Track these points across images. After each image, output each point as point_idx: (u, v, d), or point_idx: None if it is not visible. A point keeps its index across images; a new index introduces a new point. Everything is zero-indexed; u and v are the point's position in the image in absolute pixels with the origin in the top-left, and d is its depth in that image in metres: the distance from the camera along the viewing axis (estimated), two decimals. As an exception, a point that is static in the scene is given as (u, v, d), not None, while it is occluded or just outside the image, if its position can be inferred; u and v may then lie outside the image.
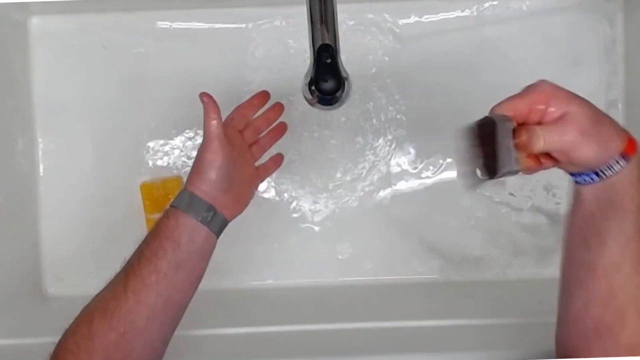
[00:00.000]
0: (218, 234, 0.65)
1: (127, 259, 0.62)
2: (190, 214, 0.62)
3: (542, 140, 0.51)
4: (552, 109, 0.52)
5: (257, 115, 0.75)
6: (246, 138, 0.73)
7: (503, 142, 0.51)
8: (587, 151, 0.51)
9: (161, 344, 0.62)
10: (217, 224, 0.64)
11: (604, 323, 0.52)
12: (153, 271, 0.59)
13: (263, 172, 0.75)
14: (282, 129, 0.78)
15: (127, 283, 0.59)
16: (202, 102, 0.64)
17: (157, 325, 0.60)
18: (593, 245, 0.53)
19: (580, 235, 0.55)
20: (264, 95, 0.75)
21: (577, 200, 0.55)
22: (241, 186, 0.68)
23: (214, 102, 0.64)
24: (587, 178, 0.53)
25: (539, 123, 0.52)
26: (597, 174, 0.52)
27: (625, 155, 0.52)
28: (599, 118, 0.52)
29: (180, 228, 0.61)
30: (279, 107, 0.77)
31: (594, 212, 0.53)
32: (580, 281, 0.54)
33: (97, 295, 0.61)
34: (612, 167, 0.52)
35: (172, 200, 0.64)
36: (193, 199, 0.63)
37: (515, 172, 0.52)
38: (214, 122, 0.64)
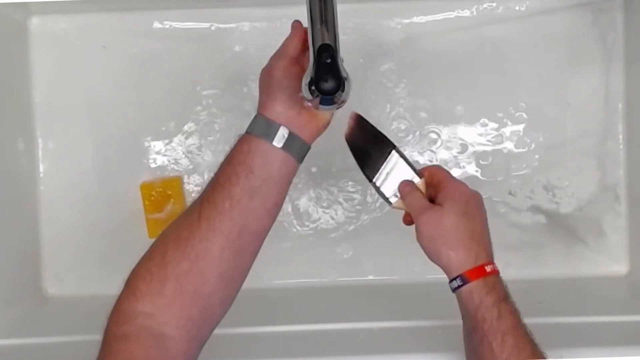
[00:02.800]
0: (299, 158, 0.60)
1: (203, 188, 0.58)
2: (263, 138, 0.58)
3: (408, 198, 0.63)
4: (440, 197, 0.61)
5: None
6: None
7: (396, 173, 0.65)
8: (424, 244, 0.60)
9: (239, 275, 0.58)
10: (296, 147, 0.59)
11: None
12: (227, 198, 0.56)
13: None
14: None
15: (200, 210, 0.56)
16: (292, 27, 0.61)
17: (233, 254, 0.56)
18: None
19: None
20: None
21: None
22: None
23: (303, 29, 0.61)
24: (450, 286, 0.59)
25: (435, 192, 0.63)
26: (450, 285, 0.58)
27: (463, 277, 0.58)
28: (459, 237, 0.59)
29: (253, 153, 0.57)
30: None
31: (467, 334, 0.58)
32: None
33: (172, 223, 0.57)
34: (453, 282, 0.58)
35: (248, 126, 0.59)
36: (266, 122, 0.58)
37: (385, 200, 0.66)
38: (295, 40, 0.60)
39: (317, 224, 0.91)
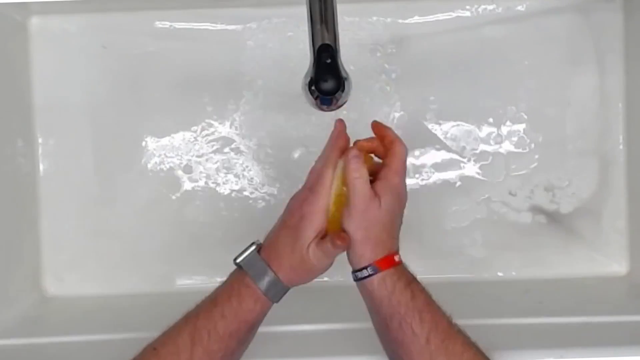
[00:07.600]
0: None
1: (188, 314, 0.60)
2: (274, 301, 0.62)
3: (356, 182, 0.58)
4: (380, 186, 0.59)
5: None
6: None
7: None
8: (351, 230, 0.58)
9: None
10: (280, 295, 0.64)
11: None
12: (222, 349, 0.59)
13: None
14: None
15: (192, 355, 0.58)
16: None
17: None
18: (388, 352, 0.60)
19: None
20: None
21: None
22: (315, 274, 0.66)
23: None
24: (353, 276, 0.60)
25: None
26: (356, 275, 0.59)
27: (374, 267, 0.58)
28: (383, 227, 0.59)
29: (262, 315, 0.62)
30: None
31: (382, 324, 0.59)
32: None
33: (161, 347, 0.59)
34: (363, 271, 0.58)
35: (258, 280, 0.62)
36: (281, 288, 0.62)
37: None
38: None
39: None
